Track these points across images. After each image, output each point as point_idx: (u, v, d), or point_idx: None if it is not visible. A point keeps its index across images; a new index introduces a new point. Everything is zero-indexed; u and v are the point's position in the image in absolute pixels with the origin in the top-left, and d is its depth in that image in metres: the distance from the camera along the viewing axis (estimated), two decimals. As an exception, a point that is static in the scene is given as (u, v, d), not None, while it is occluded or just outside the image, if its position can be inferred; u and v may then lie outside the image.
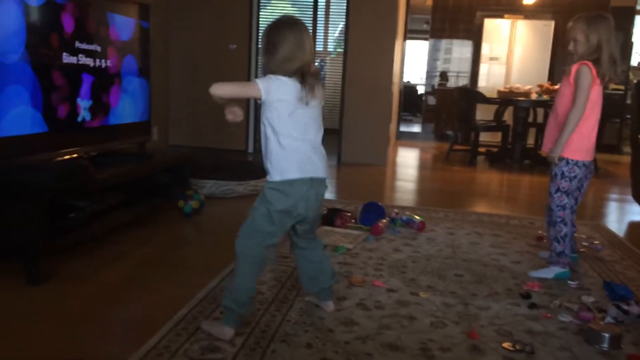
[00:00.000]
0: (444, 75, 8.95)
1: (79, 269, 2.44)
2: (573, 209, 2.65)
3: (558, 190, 2.56)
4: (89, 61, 2.88)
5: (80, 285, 2.29)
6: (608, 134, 8.16)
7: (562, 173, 2.54)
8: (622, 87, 8.03)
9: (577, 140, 2.51)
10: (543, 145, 2.68)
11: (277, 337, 1.85)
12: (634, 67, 8.55)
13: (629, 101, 7.85)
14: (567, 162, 2.53)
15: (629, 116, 7.42)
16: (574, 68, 2.49)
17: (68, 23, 2.70)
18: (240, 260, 1.84)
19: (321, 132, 1.89)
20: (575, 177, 2.54)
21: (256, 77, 5.99)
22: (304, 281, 2.07)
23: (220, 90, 1.79)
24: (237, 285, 1.82)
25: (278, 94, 1.78)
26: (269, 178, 1.84)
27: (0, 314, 2.00)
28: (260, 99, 1.80)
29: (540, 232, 3.24)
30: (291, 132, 1.80)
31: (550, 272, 2.57)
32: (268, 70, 1.83)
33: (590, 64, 2.44)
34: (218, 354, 1.72)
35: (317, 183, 1.86)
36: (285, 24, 1.83)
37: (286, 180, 1.80)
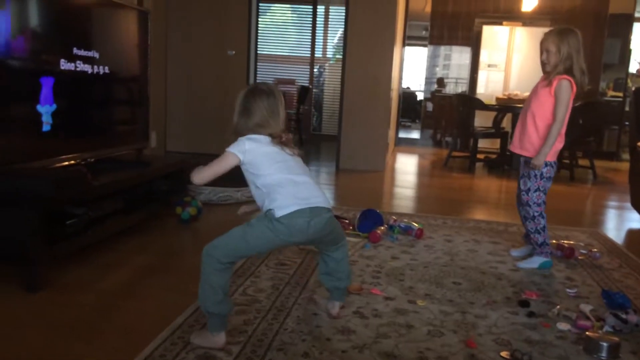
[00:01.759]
0: (440, 82, 8.95)
1: (76, 276, 2.43)
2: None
3: (537, 189, 2.77)
4: (86, 68, 2.87)
5: (78, 292, 2.27)
6: (607, 141, 8.17)
7: (542, 174, 2.76)
8: (620, 94, 8.05)
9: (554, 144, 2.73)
10: (512, 145, 2.89)
11: (273, 345, 1.84)
12: (633, 75, 8.56)
13: (627, 108, 7.87)
14: (546, 164, 2.73)
15: (627, 123, 7.45)
16: (555, 81, 2.66)
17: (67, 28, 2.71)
18: (206, 265, 1.81)
19: (307, 173, 1.94)
20: (550, 177, 2.78)
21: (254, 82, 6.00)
22: (321, 273, 2.12)
23: (201, 177, 1.88)
24: (207, 285, 1.80)
25: (254, 151, 1.84)
26: (273, 214, 1.82)
27: (-4, 322, 1.99)
28: (240, 164, 1.85)
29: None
30: (276, 171, 1.84)
31: (535, 263, 2.80)
32: (239, 133, 1.90)
33: (571, 79, 2.65)
34: (214, 363, 1.71)
35: (317, 212, 1.85)
36: (262, 92, 1.90)
37: (287, 214, 1.80)
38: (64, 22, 2.71)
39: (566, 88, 2.64)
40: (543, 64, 2.74)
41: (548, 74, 2.73)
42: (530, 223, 2.81)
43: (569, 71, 2.66)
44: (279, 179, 1.84)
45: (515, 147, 2.87)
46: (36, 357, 1.77)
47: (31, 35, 2.51)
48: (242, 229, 1.85)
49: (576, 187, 5.47)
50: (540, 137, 2.73)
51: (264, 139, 1.88)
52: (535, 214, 2.79)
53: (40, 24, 2.58)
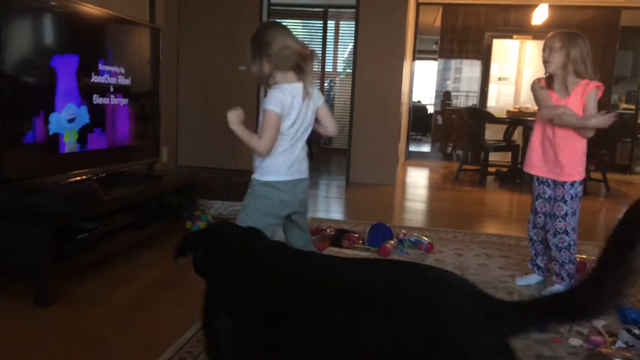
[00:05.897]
0: (447, 95, 8.96)
1: (87, 291, 2.45)
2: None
3: (574, 213, 2.58)
4: (100, 83, 2.91)
5: (88, 306, 2.29)
6: (620, 154, 8.11)
7: (577, 194, 2.59)
8: (632, 107, 8.00)
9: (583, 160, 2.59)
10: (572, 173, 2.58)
11: None
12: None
13: (640, 121, 7.83)
14: (581, 183, 2.59)
15: (640, 136, 7.40)
16: (582, 85, 2.51)
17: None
18: None
19: (308, 133, 2.07)
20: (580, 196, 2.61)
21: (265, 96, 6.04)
22: None
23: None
24: None
25: (286, 108, 1.93)
26: (258, 176, 1.98)
27: (9, 335, 2.01)
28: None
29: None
30: (289, 139, 1.98)
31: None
32: (265, 70, 1.95)
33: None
34: (223, 377, 1.71)
35: (301, 182, 2.05)
36: (269, 24, 2.04)
37: (278, 181, 1.97)
38: (77, 39, 2.75)
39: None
40: (545, 63, 2.56)
41: (550, 75, 2.56)
42: (565, 253, 2.59)
43: (578, 75, 2.51)
44: (285, 150, 1.97)
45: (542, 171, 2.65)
46: (47, 371, 1.78)
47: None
48: (242, 210, 1.98)
49: (589, 201, 5.42)
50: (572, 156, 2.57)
51: (290, 87, 1.96)
52: (572, 242, 2.57)
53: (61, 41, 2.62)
